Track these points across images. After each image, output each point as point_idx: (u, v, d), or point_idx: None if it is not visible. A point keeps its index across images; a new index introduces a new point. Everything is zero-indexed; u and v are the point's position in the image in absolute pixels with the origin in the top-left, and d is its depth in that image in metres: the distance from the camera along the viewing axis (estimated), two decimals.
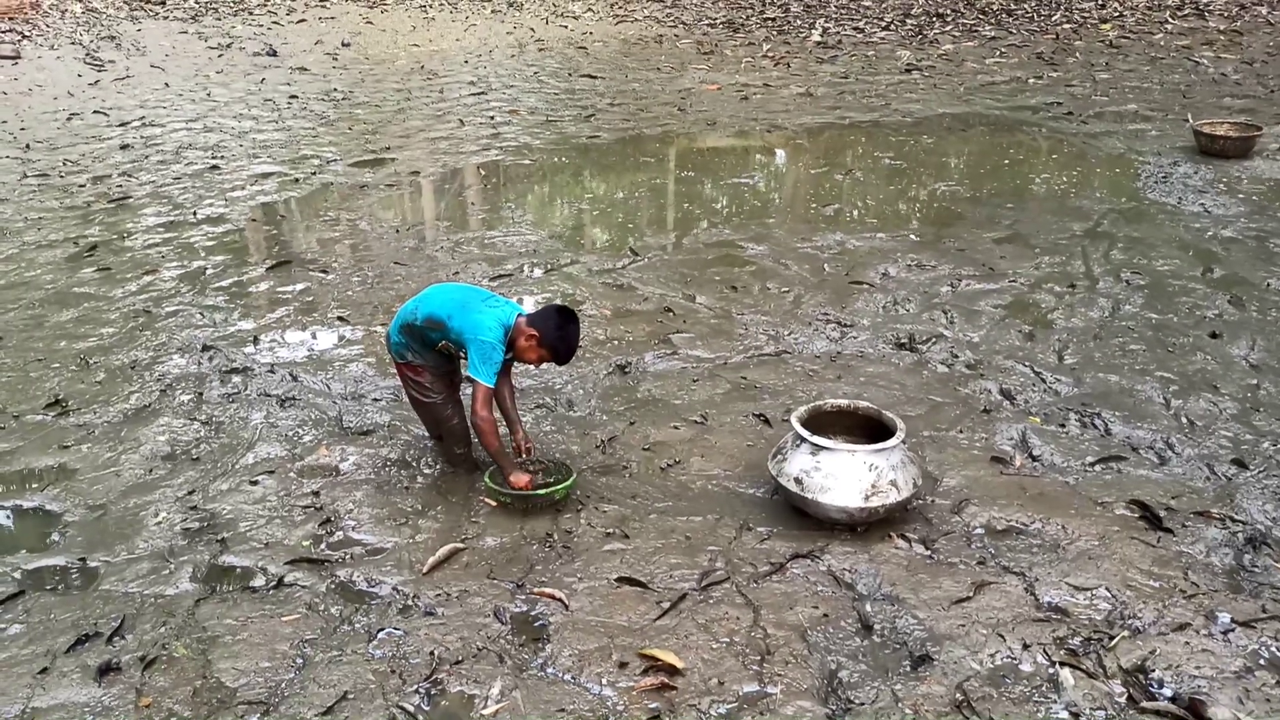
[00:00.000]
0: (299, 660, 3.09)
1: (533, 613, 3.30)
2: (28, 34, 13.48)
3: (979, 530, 3.66)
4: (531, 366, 3.96)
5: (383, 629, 3.22)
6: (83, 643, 3.17)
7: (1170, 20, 13.29)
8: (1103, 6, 14.19)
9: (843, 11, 14.67)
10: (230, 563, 3.57)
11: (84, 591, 3.43)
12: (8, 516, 3.91)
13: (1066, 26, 13.23)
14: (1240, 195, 7.21)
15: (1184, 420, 4.36)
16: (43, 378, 4.92)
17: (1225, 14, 13.47)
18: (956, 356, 4.98)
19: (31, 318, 5.61)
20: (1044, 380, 4.73)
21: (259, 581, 3.47)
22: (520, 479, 3.79)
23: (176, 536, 3.70)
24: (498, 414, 3.98)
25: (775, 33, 13.56)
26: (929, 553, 3.54)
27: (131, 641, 3.18)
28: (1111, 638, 3.10)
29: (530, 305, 5.41)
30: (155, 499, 3.93)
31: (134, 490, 3.99)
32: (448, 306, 3.76)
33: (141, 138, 9.24)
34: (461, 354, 3.77)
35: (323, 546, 3.65)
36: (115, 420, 4.52)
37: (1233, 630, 3.11)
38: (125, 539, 3.69)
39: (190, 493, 3.96)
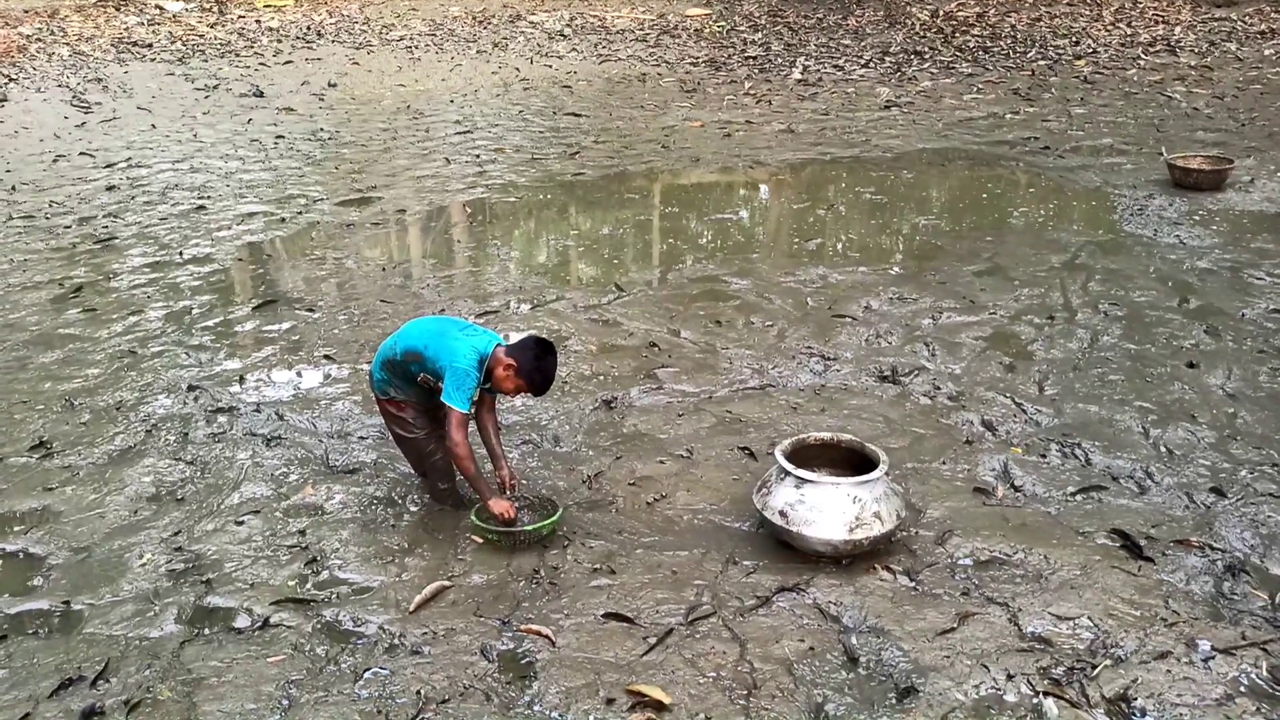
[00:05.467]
0: (284, 702, 3.08)
1: (520, 650, 3.30)
2: (14, 77, 13.55)
3: (962, 561, 3.69)
4: (515, 401, 3.97)
5: (369, 669, 3.22)
6: (66, 687, 3.15)
7: (1143, 56, 13.56)
8: (1077, 44, 14.47)
9: (822, 50, 14.91)
10: (215, 604, 3.56)
11: (67, 635, 3.41)
12: None
13: (1042, 63, 13.48)
14: (1214, 227, 7.34)
15: (1163, 449, 4.42)
16: (27, 420, 4.91)
17: (1196, 50, 13.76)
18: (938, 388, 5.03)
19: (16, 359, 5.60)
20: (1025, 411, 4.78)
21: (244, 622, 3.45)
22: (499, 505, 3.79)
23: (161, 578, 3.69)
24: (483, 450, 4.00)
25: (757, 71, 13.76)
26: (913, 584, 3.57)
27: (115, 685, 3.16)
28: (1094, 667, 3.12)
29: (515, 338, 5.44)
30: (140, 540, 3.92)
31: (118, 532, 3.98)
32: (424, 337, 3.79)
33: (128, 179, 9.27)
34: (440, 385, 3.79)
35: (309, 586, 3.64)
36: (100, 461, 4.51)
37: (1213, 658, 3.14)
38: (109, 581, 3.68)
39: (175, 534, 3.95)
